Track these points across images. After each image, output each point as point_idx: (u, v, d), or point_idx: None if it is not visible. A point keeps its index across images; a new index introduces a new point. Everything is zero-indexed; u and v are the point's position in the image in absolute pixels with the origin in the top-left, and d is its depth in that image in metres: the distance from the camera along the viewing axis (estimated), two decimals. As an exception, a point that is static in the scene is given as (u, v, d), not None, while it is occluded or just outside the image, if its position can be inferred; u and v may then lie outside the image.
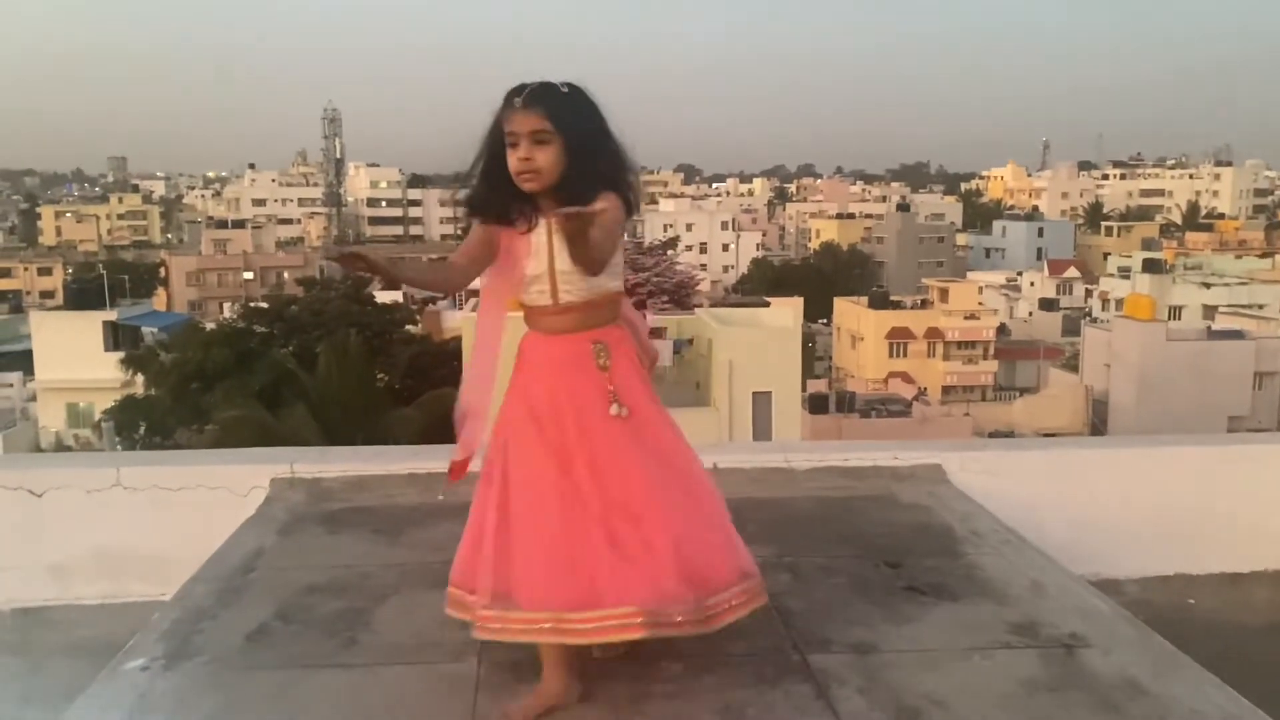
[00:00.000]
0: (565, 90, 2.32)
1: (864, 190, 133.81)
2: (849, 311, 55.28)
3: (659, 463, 2.36)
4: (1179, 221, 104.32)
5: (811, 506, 3.49)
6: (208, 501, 3.53)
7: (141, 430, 28.73)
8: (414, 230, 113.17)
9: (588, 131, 2.34)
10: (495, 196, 2.37)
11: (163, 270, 77.46)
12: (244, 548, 3.12)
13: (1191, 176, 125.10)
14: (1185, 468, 3.92)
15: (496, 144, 2.35)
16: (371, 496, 3.54)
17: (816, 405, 37.85)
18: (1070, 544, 3.64)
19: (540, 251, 2.38)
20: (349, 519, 3.36)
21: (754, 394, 21.48)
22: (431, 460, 3.66)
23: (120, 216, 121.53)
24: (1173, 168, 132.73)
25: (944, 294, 56.46)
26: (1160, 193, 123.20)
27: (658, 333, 23.61)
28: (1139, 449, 4.01)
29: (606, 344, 2.40)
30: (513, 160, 2.31)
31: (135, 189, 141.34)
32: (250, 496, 3.54)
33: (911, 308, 55.77)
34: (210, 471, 3.60)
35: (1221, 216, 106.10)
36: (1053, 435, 39.05)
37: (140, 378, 30.18)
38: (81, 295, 43.97)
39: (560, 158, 2.30)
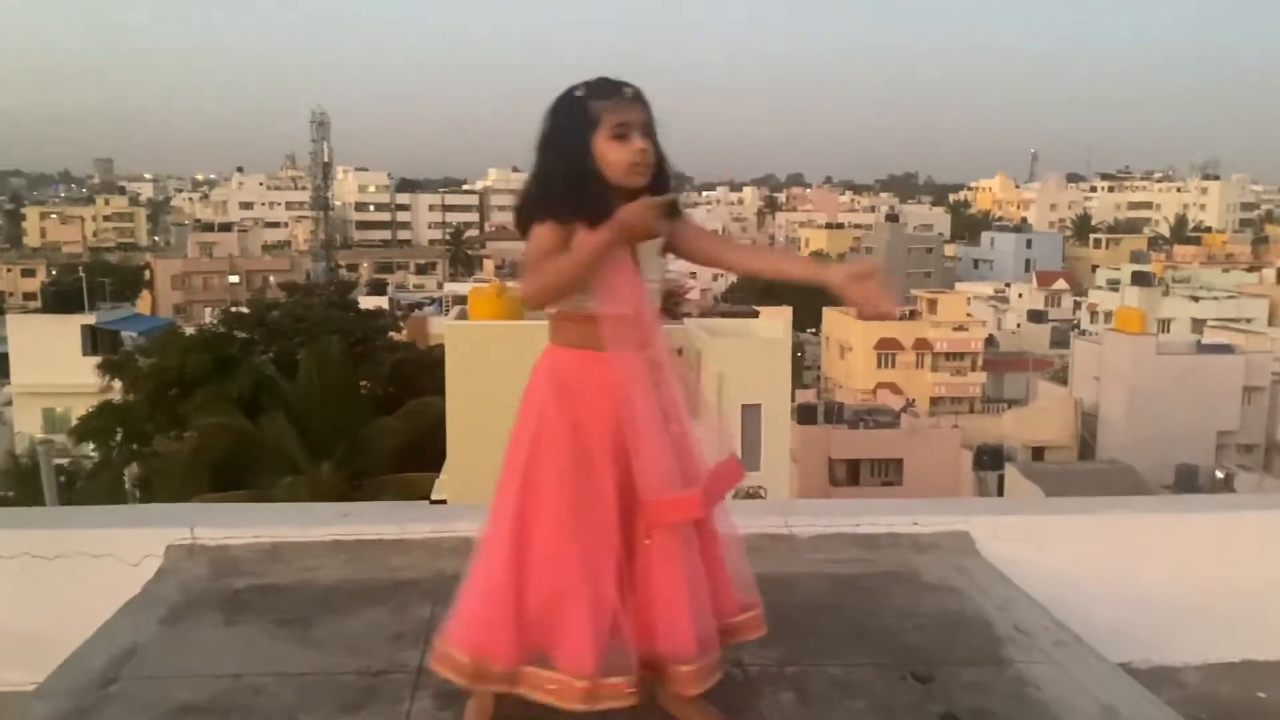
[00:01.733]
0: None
1: (853, 200, 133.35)
2: (837, 321, 54.82)
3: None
4: (1167, 234, 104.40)
5: (819, 587, 2.89)
6: (91, 572, 2.92)
7: (118, 437, 28.16)
8: (402, 235, 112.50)
9: (657, 136, 2.22)
10: (593, 197, 2.13)
11: (147, 273, 76.59)
12: (112, 645, 2.50)
13: (1179, 190, 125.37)
14: (1252, 535, 3.34)
15: (580, 139, 2.14)
16: (286, 570, 2.93)
17: (805, 416, 37.38)
18: (1120, 625, 3.08)
19: (624, 257, 2.19)
20: (253, 603, 2.76)
21: (743, 406, 20.98)
22: (361, 524, 3.04)
23: (106, 218, 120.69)
24: (1160, 181, 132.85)
25: (932, 305, 56.06)
26: (1148, 205, 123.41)
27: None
28: (1198, 513, 3.43)
29: (660, 360, 2.22)
30: (625, 152, 2.14)
31: (122, 191, 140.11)
32: (143, 566, 2.93)
33: (900, 318, 55.30)
34: (94, 536, 2.98)
35: (1209, 230, 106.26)
36: (1041, 448, 38.87)
37: (118, 383, 29.60)
38: (60, 298, 43.31)
39: None
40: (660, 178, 2.21)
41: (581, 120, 2.13)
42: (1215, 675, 3.19)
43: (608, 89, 2.15)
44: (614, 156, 2.13)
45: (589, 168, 2.13)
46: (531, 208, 2.17)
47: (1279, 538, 3.34)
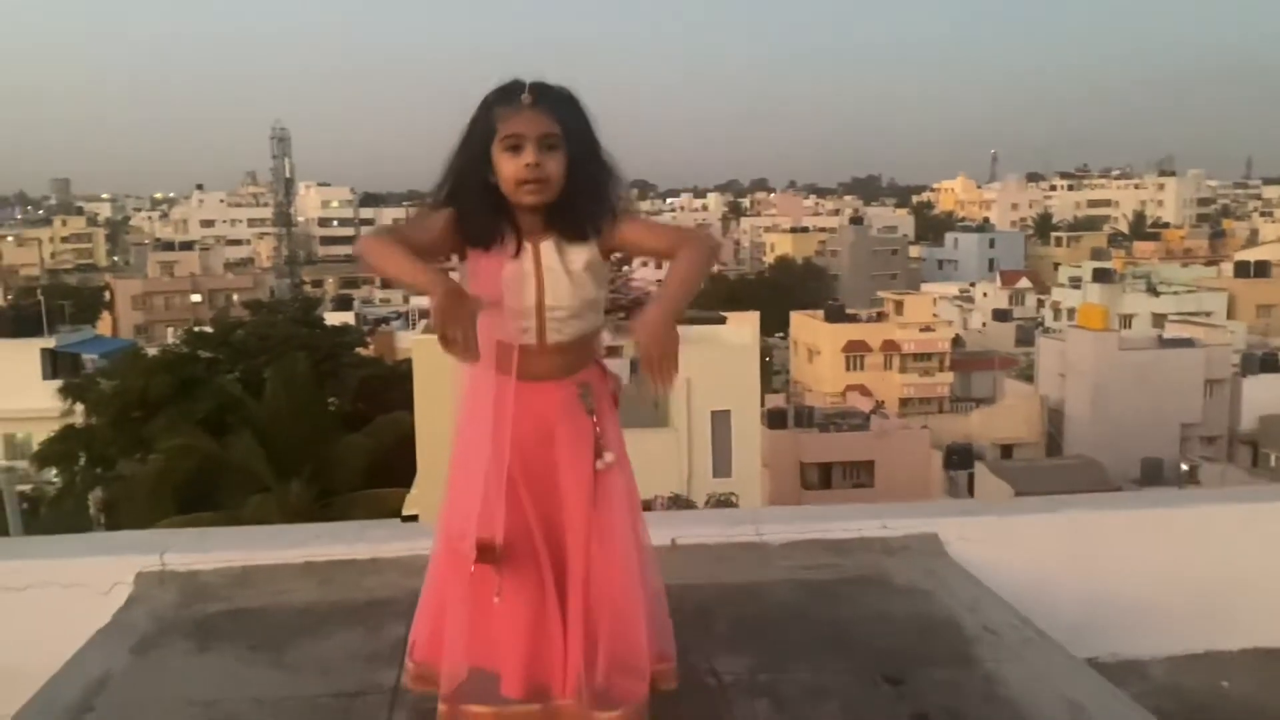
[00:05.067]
0: (564, 92, 2.08)
1: (817, 204, 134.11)
2: (805, 325, 55.05)
3: (631, 524, 2.17)
4: (1126, 231, 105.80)
5: (791, 594, 2.92)
6: (61, 603, 2.90)
7: (81, 462, 27.83)
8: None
9: (590, 140, 2.09)
10: (481, 212, 2.05)
11: (107, 294, 75.66)
12: (84, 675, 2.49)
13: (1136, 187, 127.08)
14: (1214, 529, 3.41)
15: (478, 148, 2.05)
16: (257, 594, 2.92)
17: (775, 421, 37.49)
18: (1086, 621, 3.14)
19: (526, 282, 2.08)
20: (224, 629, 2.75)
21: (713, 413, 21.03)
22: (333, 545, 3.05)
23: (64, 240, 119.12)
24: (1118, 178, 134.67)
25: (899, 306, 56.45)
26: (1106, 203, 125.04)
27: (614, 351, 23.05)
28: (1159, 509, 3.50)
29: (590, 384, 2.15)
30: (513, 166, 2.02)
31: (80, 211, 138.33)
32: (113, 594, 2.91)
33: (867, 320, 55.65)
34: (63, 566, 2.96)
35: (1167, 226, 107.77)
36: (1010, 446, 39.25)
37: (80, 407, 29.26)
38: (19, 322, 42.76)
39: (564, 168, 2.05)
40: (575, 195, 2.06)
41: (482, 128, 2.04)
42: (1179, 667, 3.25)
43: (508, 94, 2.04)
44: (503, 171, 2.03)
45: (482, 180, 2.05)
46: (435, 194, 2.10)
47: (1239, 530, 3.42)
